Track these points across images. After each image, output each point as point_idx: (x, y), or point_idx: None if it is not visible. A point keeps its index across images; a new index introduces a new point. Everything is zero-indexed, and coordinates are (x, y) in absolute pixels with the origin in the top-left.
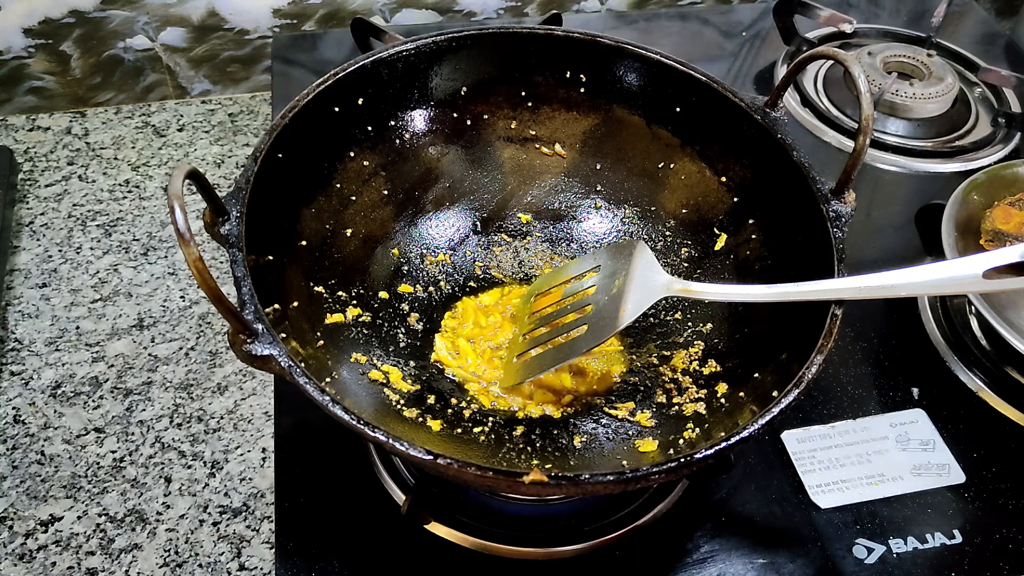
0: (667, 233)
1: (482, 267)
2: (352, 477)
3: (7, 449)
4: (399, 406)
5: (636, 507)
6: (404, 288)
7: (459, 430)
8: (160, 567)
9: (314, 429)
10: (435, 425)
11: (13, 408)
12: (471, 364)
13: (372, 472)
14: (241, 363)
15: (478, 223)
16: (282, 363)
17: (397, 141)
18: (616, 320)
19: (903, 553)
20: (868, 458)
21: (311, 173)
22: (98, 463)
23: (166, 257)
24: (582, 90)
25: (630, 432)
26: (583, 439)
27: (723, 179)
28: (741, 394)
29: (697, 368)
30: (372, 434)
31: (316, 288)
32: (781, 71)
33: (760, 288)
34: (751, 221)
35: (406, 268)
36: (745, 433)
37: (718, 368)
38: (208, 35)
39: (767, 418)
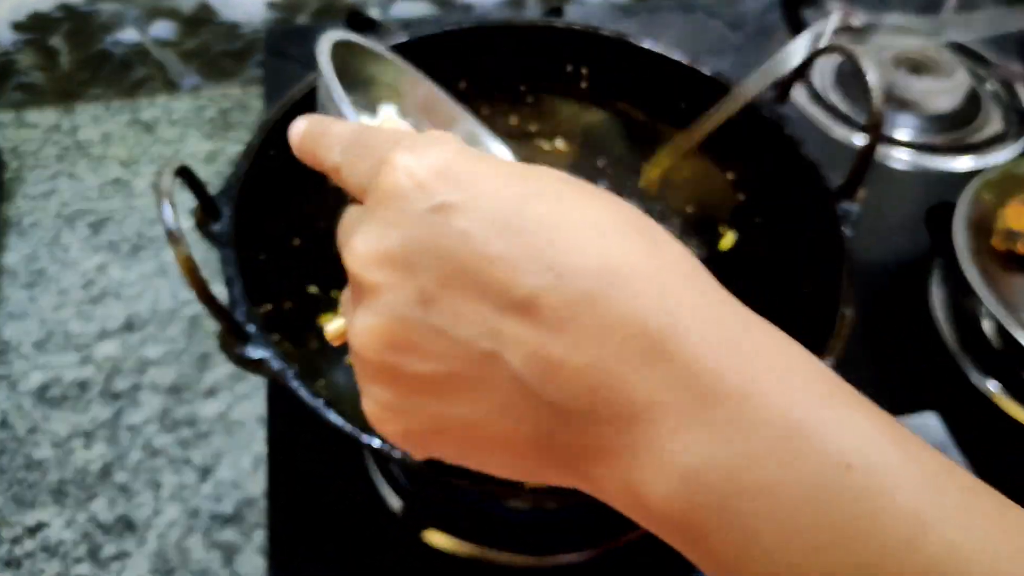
0: (672, 231)
1: None
2: (347, 483)
3: None
4: None
5: None
6: None
7: None
8: (150, 574)
9: (308, 434)
10: None
11: (0, 412)
12: None
13: (367, 478)
14: (233, 366)
15: None
16: (274, 366)
17: None
18: None
19: None
20: None
21: (305, 170)
22: (86, 468)
23: (156, 256)
24: (584, 84)
25: None
26: None
27: (729, 176)
28: None
29: None
30: (367, 440)
31: (310, 288)
32: None
33: None
34: (758, 219)
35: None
36: None
37: None
38: (199, 28)
39: None
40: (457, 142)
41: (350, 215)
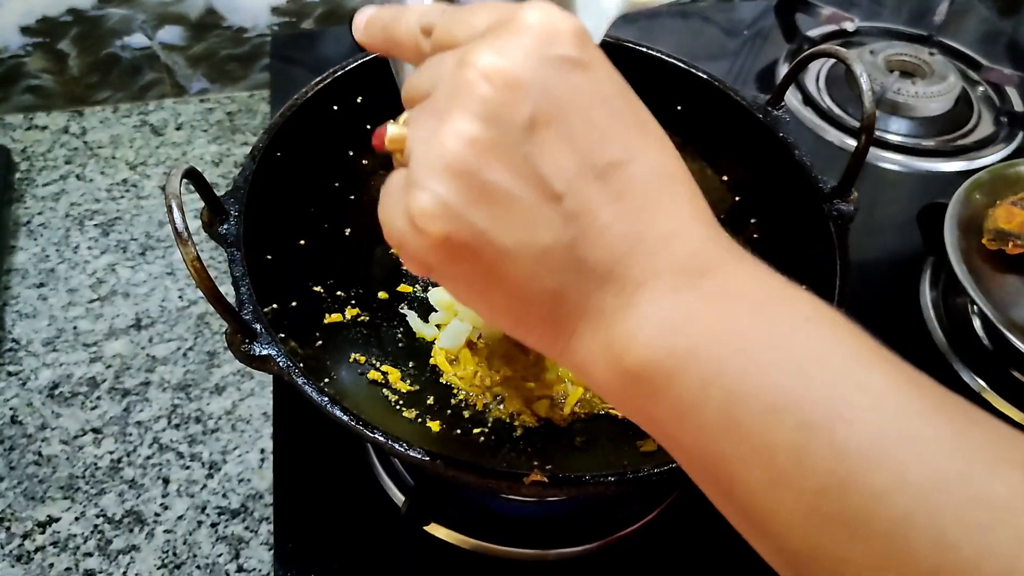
0: None
1: None
2: (351, 478)
3: (4, 450)
4: (398, 406)
5: (639, 507)
6: (403, 288)
7: (458, 431)
8: (158, 568)
9: (313, 430)
10: (434, 426)
11: (11, 408)
12: (469, 372)
13: (371, 473)
14: (239, 363)
15: None
16: (280, 363)
17: None
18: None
19: None
20: None
21: (310, 172)
22: (96, 464)
23: (164, 257)
24: None
25: (632, 432)
26: (584, 439)
27: (724, 178)
28: None
29: None
30: (371, 435)
31: (315, 288)
32: (783, 70)
33: None
34: (753, 220)
35: (405, 268)
36: None
37: None
38: (206, 33)
39: None
40: None
41: (453, 53)
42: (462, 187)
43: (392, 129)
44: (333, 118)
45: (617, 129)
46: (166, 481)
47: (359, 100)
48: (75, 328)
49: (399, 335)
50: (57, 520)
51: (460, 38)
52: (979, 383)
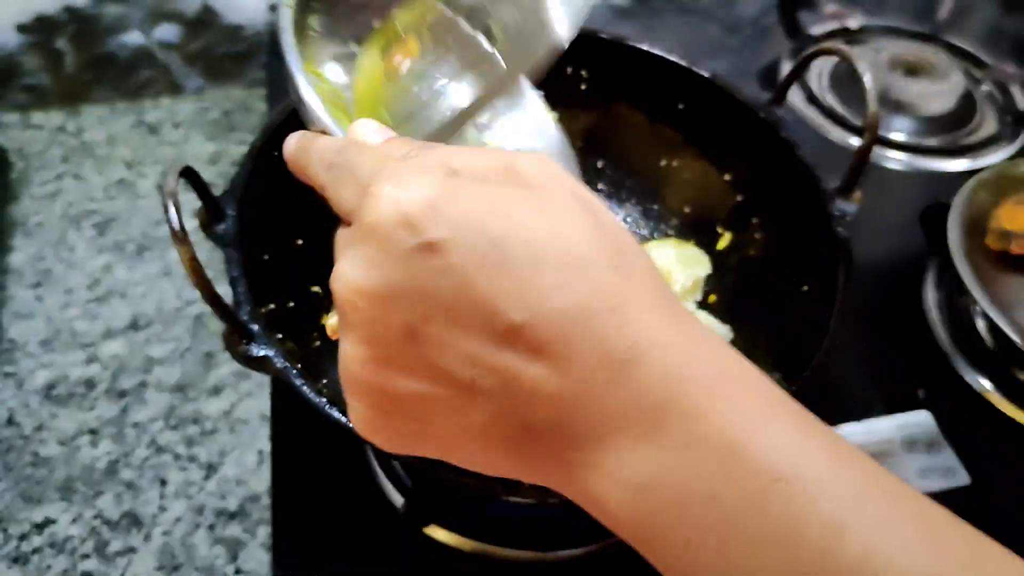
0: (670, 232)
1: None
2: (349, 480)
3: (1, 451)
4: None
5: None
6: None
7: None
8: (156, 570)
9: (311, 431)
10: None
11: (7, 409)
12: None
13: (370, 474)
14: (237, 364)
15: None
16: (278, 365)
17: None
18: (543, 31)
19: None
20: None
21: None
22: (93, 465)
23: (161, 257)
24: (583, 87)
25: None
26: None
27: (726, 177)
28: None
29: None
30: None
31: (313, 288)
32: (785, 67)
33: None
34: (755, 220)
35: None
36: None
37: None
38: (202, 31)
39: None
40: (441, 167)
41: (341, 236)
42: (374, 404)
43: (332, 323)
44: None
45: (504, 289)
46: (163, 483)
47: None
48: (72, 329)
49: None
50: (54, 522)
51: (339, 210)
52: (983, 384)
